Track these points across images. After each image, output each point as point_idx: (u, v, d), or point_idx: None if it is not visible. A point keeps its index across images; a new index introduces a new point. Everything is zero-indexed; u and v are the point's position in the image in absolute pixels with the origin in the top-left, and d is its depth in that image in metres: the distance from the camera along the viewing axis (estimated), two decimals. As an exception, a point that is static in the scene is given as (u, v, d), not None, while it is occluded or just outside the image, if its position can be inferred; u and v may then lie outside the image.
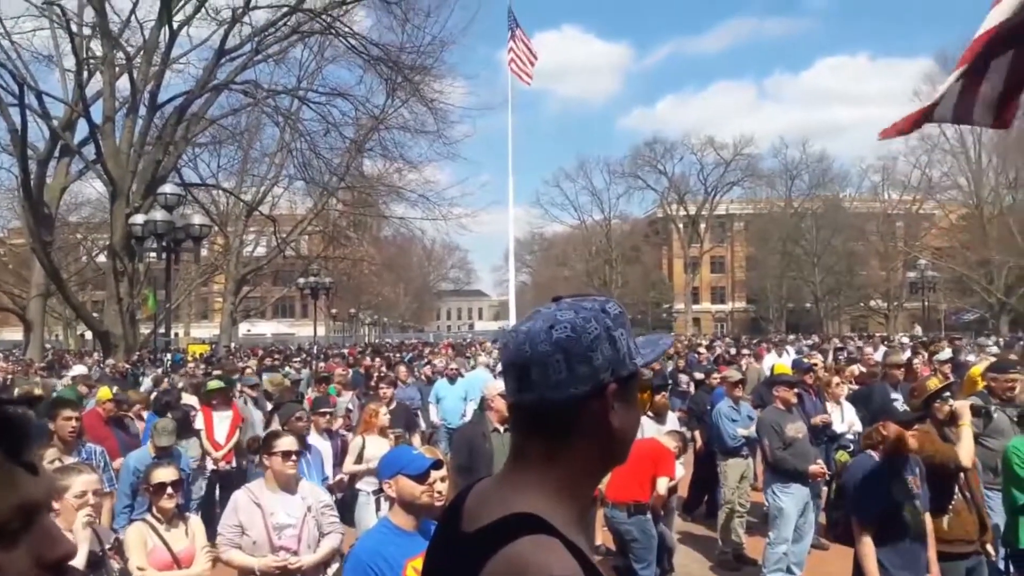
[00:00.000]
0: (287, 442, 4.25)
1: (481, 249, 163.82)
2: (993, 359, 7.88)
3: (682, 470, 7.10)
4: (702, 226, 68.46)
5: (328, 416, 7.35)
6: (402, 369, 13.33)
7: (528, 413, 1.18)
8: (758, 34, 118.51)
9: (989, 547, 4.92)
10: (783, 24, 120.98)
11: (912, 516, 4.20)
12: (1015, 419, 5.53)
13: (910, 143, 51.18)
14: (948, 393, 5.12)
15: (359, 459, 6.50)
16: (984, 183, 47.22)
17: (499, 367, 10.12)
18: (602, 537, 7.50)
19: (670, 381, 10.96)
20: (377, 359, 18.31)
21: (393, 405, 8.34)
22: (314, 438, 6.66)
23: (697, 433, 9.12)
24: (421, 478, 3.10)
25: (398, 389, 11.33)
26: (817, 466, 6.68)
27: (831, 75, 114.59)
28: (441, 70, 24.00)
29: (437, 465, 3.19)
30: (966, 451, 4.56)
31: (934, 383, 4.89)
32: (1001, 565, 5.88)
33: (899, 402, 7.50)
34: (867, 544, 4.12)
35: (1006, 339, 25.88)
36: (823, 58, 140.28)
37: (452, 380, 11.58)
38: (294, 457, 4.21)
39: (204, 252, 29.90)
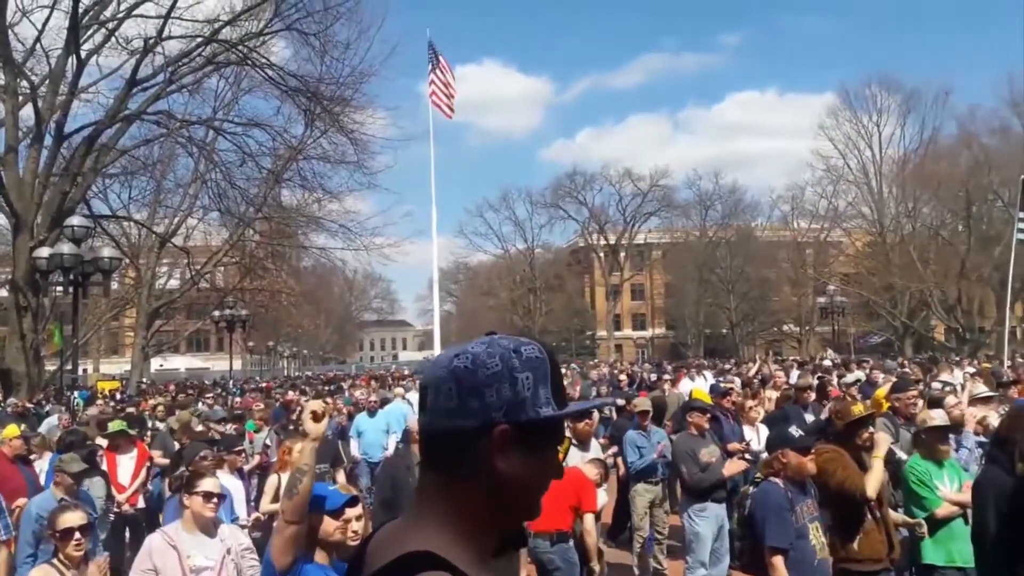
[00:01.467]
0: (210, 483, 4.12)
1: (405, 279, 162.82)
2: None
3: (604, 496, 7.18)
4: (622, 255, 69.76)
5: (242, 454, 7.15)
6: (336, 402, 13.14)
7: (423, 439, 1.19)
8: (672, 69, 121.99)
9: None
10: (695, 59, 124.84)
11: (816, 538, 4.33)
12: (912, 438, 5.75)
13: (817, 174, 53.63)
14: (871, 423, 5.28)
15: (275, 498, 6.33)
16: (886, 212, 49.60)
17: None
18: (526, 571, 7.49)
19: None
20: (296, 392, 17.91)
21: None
22: (225, 477, 6.46)
23: (620, 460, 9.23)
24: (335, 514, 3.06)
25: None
26: (730, 466, 6.95)
27: (741, 109, 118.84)
28: (361, 101, 23.87)
29: (352, 502, 3.15)
30: (874, 481, 4.67)
31: (859, 409, 5.06)
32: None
33: (804, 424, 7.75)
34: (781, 572, 4.19)
35: (915, 358, 27.02)
36: (734, 93, 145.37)
37: (372, 413, 11.42)
38: (215, 499, 4.07)
39: (114, 286, 28.86)
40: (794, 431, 4.48)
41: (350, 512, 3.13)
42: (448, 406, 1.14)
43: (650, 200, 67.56)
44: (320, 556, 3.05)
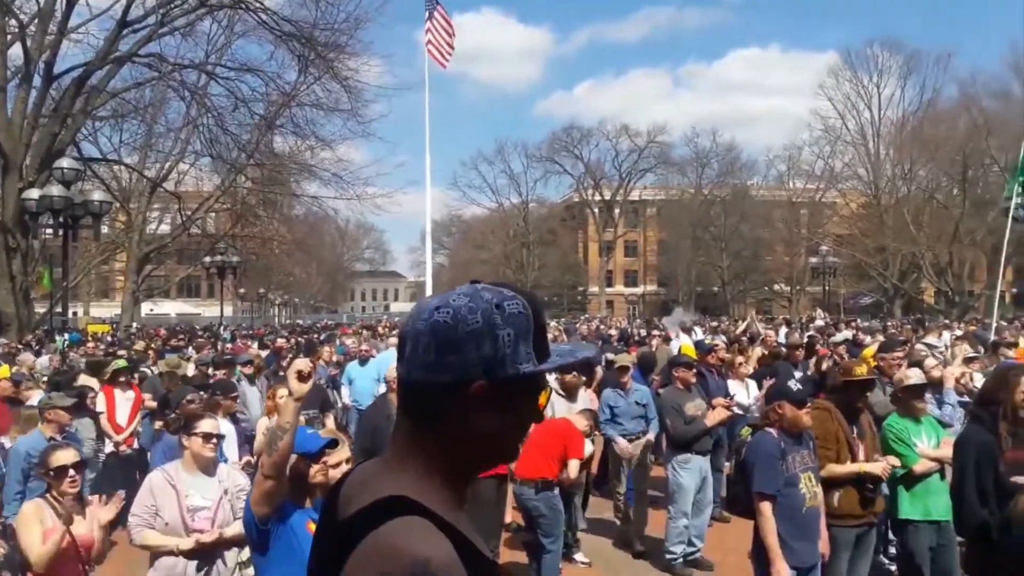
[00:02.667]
0: (208, 424, 4.16)
1: (397, 230, 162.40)
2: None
3: (591, 447, 7.28)
4: (616, 211, 69.59)
5: (237, 399, 7.19)
6: (325, 349, 13.17)
7: (401, 388, 1.19)
8: (675, 23, 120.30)
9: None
10: (699, 14, 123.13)
11: (808, 488, 4.42)
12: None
13: (815, 134, 53.35)
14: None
15: (265, 440, 6.41)
16: (882, 174, 49.48)
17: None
18: (512, 515, 7.62)
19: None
20: (289, 340, 17.94)
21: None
22: (219, 422, 6.52)
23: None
24: (314, 458, 3.09)
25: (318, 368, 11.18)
26: (709, 417, 7.04)
27: (743, 66, 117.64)
28: (356, 48, 23.48)
29: (332, 444, 3.18)
30: (841, 471, 4.77)
31: (862, 370, 5.12)
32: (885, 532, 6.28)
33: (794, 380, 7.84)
34: (768, 518, 4.29)
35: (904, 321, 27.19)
36: (736, 49, 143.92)
37: (363, 361, 11.46)
38: (214, 440, 4.11)
39: (105, 229, 28.67)
40: (792, 384, 4.55)
41: (333, 456, 3.17)
42: (426, 360, 1.12)
43: (646, 156, 67.31)
44: (298, 498, 3.09)
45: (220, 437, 4.19)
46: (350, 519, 1.10)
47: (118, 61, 21.78)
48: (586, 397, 7.84)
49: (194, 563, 3.92)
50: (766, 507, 4.31)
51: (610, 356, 12.12)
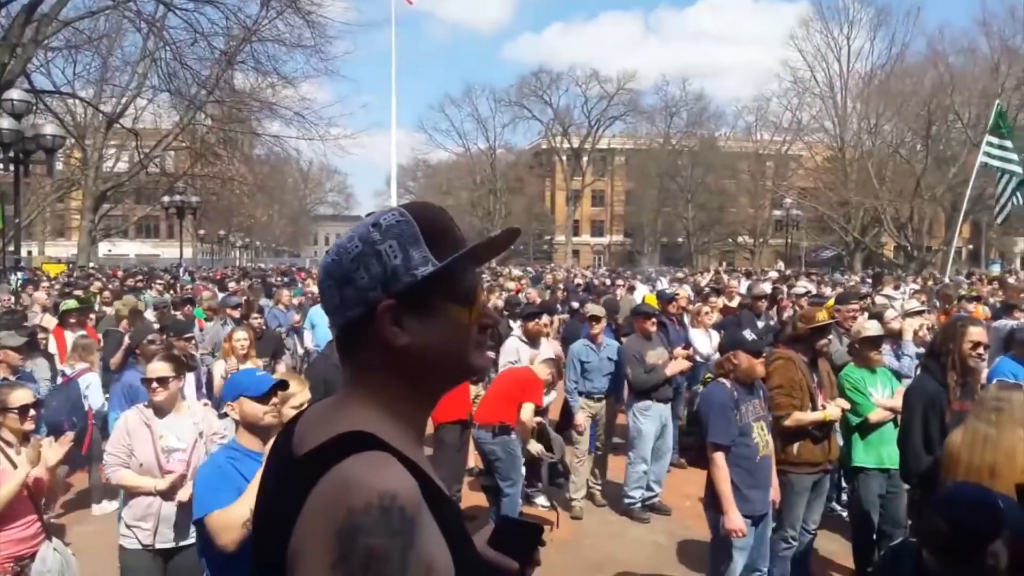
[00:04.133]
0: (152, 368, 4.06)
1: (362, 173, 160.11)
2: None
3: (554, 394, 7.31)
4: (584, 159, 69.26)
5: (192, 340, 7.07)
6: (284, 293, 13.02)
7: (335, 340, 1.19)
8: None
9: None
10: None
11: (760, 437, 4.48)
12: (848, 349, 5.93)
13: (783, 86, 53.35)
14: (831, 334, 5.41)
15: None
16: (848, 127, 49.75)
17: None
18: (474, 459, 7.67)
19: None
20: (239, 283, 17.71)
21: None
22: None
23: (569, 359, 9.38)
24: (263, 399, 3.06)
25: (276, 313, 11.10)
26: (671, 367, 7.12)
27: (714, 14, 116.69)
28: (319, -19, 22.77)
29: (282, 386, 3.15)
30: (798, 421, 4.85)
31: (823, 315, 5.17)
32: (837, 479, 6.45)
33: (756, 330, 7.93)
34: (722, 468, 4.34)
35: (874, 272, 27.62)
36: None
37: (326, 306, 11.36)
38: (155, 384, 3.99)
39: (59, 165, 27.83)
40: (748, 334, 4.56)
41: (293, 398, 3.13)
42: (334, 303, 1.13)
43: (616, 104, 66.78)
44: (249, 440, 3.05)
45: (162, 381, 4.02)
46: (306, 457, 1.07)
47: (70, -12, 20.85)
48: (549, 345, 7.85)
49: (168, 504, 3.88)
50: (719, 457, 4.36)
51: (575, 304, 12.17)
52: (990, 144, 10.98)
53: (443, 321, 1.13)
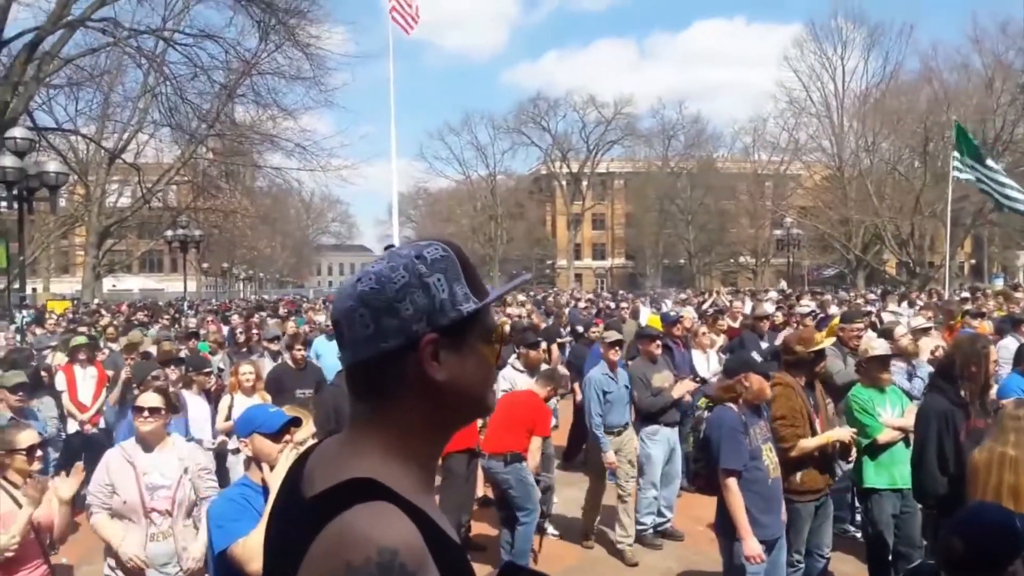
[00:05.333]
0: (144, 398, 4.06)
1: (363, 203, 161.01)
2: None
3: (554, 421, 7.22)
4: (584, 183, 69.48)
5: (210, 375, 7.07)
6: (290, 324, 13.00)
7: (349, 373, 1.12)
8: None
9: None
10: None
11: (770, 459, 4.44)
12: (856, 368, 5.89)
13: (779, 106, 53.65)
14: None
15: (228, 418, 6.33)
16: (845, 146, 49.90)
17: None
18: (483, 489, 7.61)
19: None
20: (254, 316, 17.69)
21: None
22: (192, 398, 6.42)
23: (576, 385, 9.33)
24: (276, 436, 3.04)
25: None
26: (677, 390, 7.05)
27: (708, 37, 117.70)
28: (317, 14, 22.96)
29: (296, 423, 3.13)
30: (807, 447, 4.82)
31: (821, 337, 5.15)
32: (851, 499, 6.39)
33: (760, 352, 7.90)
34: (736, 494, 4.29)
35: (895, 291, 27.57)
36: (701, 20, 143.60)
37: (331, 336, 11.32)
38: (146, 414, 3.97)
39: (62, 202, 27.90)
40: (756, 356, 4.54)
41: (298, 433, 3.12)
42: (366, 334, 1.08)
43: (613, 128, 67.03)
44: (260, 477, 3.02)
45: (155, 411, 4.01)
46: (313, 502, 1.05)
47: (71, 26, 21.07)
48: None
49: (153, 544, 3.85)
50: (733, 483, 4.30)
51: (580, 329, 12.11)
52: (957, 160, 11.12)
53: (475, 359, 1.13)
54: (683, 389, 7.18)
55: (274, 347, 9.14)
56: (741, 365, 4.57)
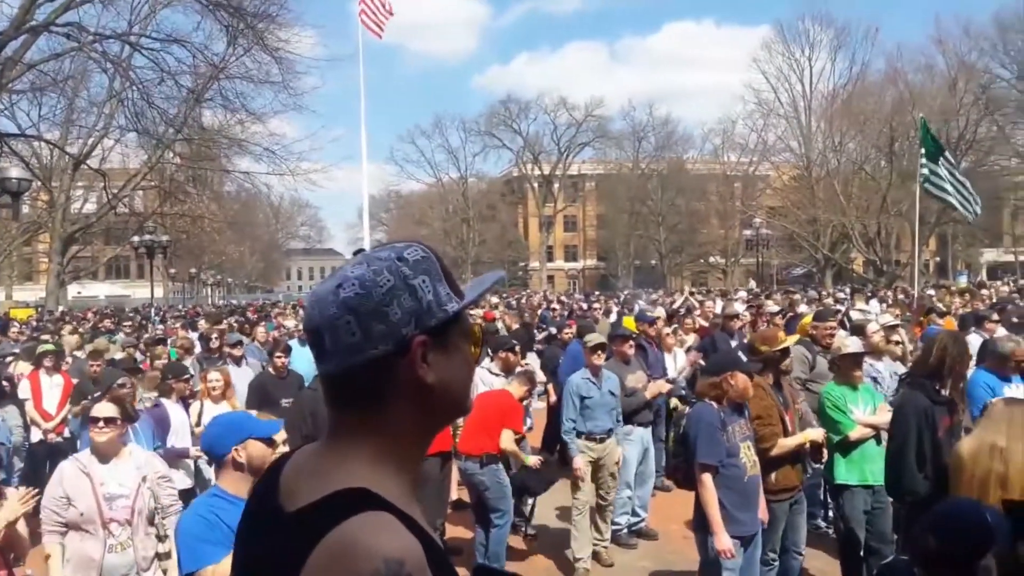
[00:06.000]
0: (100, 408, 3.95)
1: (334, 206, 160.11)
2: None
3: (529, 421, 7.18)
4: (555, 186, 69.66)
5: (189, 381, 6.92)
6: (259, 329, 12.85)
7: (332, 383, 1.08)
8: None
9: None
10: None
11: (748, 457, 4.47)
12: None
13: (748, 108, 54.23)
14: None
15: (198, 424, 6.23)
16: (813, 147, 50.58)
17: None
18: (457, 492, 7.58)
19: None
20: (222, 323, 17.45)
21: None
22: (172, 407, 6.28)
23: (550, 387, 9.32)
24: (270, 442, 2.98)
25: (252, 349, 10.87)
26: (650, 390, 7.07)
27: (677, 39, 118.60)
28: (286, 18, 22.81)
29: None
30: (784, 446, 4.86)
31: (783, 335, 5.18)
32: (822, 496, 6.44)
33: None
34: (709, 489, 4.33)
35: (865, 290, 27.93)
36: (670, 23, 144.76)
37: (303, 341, 11.21)
38: (101, 424, 3.86)
39: (25, 209, 27.41)
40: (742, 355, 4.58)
41: (278, 439, 3.08)
42: (351, 341, 1.04)
43: (584, 130, 67.30)
44: (236, 486, 2.88)
45: (110, 421, 3.90)
46: (301, 514, 1.01)
47: (34, 31, 20.71)
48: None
49: (111, 555, 3.77)
50: (707, 478, 4.34)
51: (552, 330, 12.10)
52: (922, 156, 11.29)
53: (459, 359, 1.11)
54: (656, 390, 7.21)
55: (237, 352, 9.02)
56: (728, 363, 4.59)
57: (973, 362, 6.08)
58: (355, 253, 1.13)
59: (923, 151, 11.00)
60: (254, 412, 4.21)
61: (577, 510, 6.32)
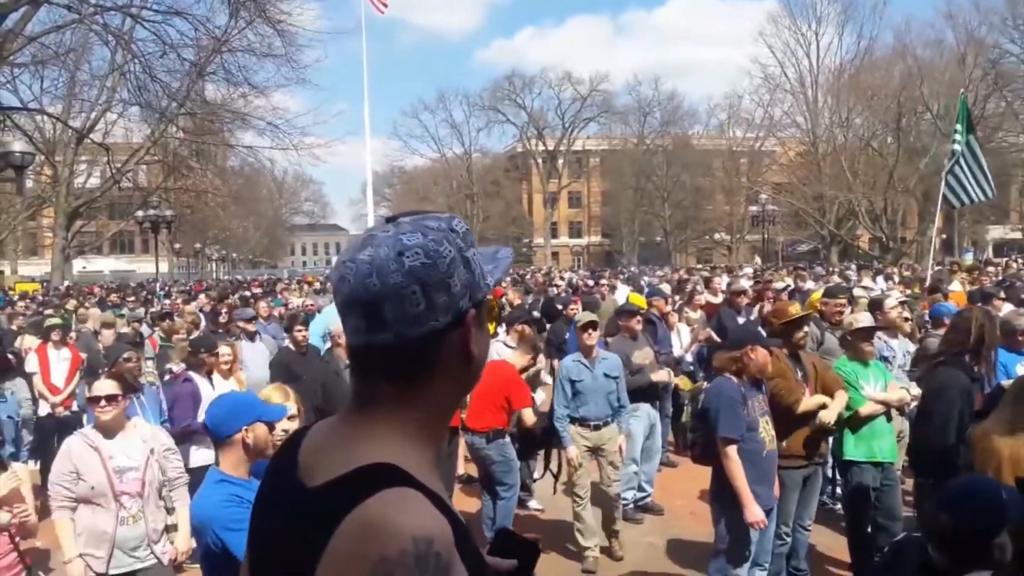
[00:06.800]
0: (99, 386, 3.92)
1: (337, 182, 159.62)
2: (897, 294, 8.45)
3: (542, 395, 7.13)
4: (560, 161, 69.34)
5: (216, 355, 6.86)
6: (262, 305, 12.82)
7: (380, 355, 1.04)
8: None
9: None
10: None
11: (766, 431, 4.47)
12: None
13: (754, 83, 53.79)
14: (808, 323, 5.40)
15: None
16: (819, 122, 50.21)
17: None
18: (464, 466, 7.61)
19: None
20: (228, 298, 17.45)
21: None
22: (201, 381, 6.24)
23: (555, 362, 9.30)
24: (271, 427, 2.95)
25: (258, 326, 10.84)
26: (658, 375, 7.04)
27: (682, 14, 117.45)
28: (288, -10, 22.64)
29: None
30: (810, 405, 4.86)
31: (795, 309, 5.16)
32: (830, 474, 6.44)
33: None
34: (736, 462, 4.33)
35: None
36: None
37: (308, 317, 11.21)
38: (103, 403, 3.84)
39: (29, 183, 27.37)
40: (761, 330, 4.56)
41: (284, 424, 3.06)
42: (415, 311, 1.01)
43: (589, 105, 66.87)
44: (238, 468, 2.84)
45: (112, 399, 3.86)
46: (324, 490, 0.99)
47: (34, 3, 20.53)
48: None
49: (124, 528, 3.79)
50: (732, 451, 4.35)
51: (559, 306, 12.04)
52: (957, 132, 11.13)
53: (485, 332, 1.12)
54: (660, 377, 7.17)
55: (251, 328, 8.99)
56: (749, 338, 4.57)
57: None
58: (388, 220, 1.09)
59: (958, 126, 10.88)
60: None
61: (576, 502, 5.97)
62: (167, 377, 6.79)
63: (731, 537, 4.43)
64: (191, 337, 8.16)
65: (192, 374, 6.23)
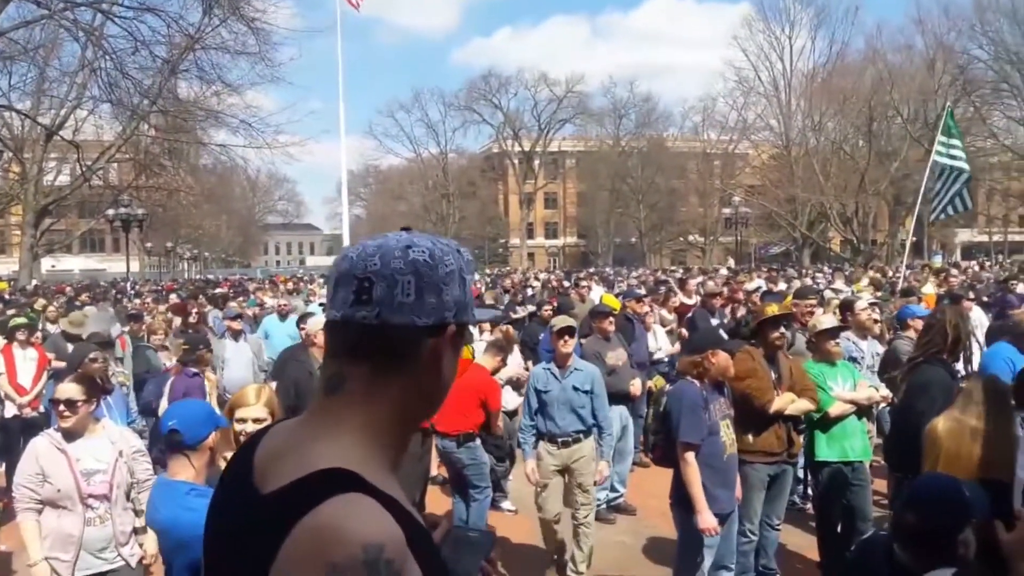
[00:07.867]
0: (61, 390, 3.82)
1: (312, 181, 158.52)
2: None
3: (518, 398, 7.13)
4: (536, 162, 69.45)
5: (209, 351, 6.80)
6: (232, 305, 12.74)
7: (356, 332, 1.05)
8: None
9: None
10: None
11: (727, 435, 4.49)
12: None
13: (728, 85, 54.27)
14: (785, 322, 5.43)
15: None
16: (793, 125, 50.77)
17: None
18: (438, 468, 7.58)
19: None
20: (196, 298, 17.27)
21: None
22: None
23: (531, 364, 9.31)
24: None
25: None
26: (634, 386, 7.06)
27: (658, 16, 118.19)
28: (262, -13, 22.47)
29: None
30: (782, 404, 4.89)
31: (772, 309, 5.19)
32: (800, 474, 6.50)
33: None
34: (693, 467, 4.33)
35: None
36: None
37: (283, 316, 11.12)
38: (62, 407, 3.73)
39: (-4, 180, 26.90)
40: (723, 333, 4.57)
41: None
42: (404, 300, 1.04)
43: (565, 107, 67.04)
44: (198, 474, 2.81)
45: (71, 403, 3.74)
46: (276, 496, 0.97)
47: (3, -2, 20.23)
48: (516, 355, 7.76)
49: (91, 529, 3.73)
50: (691, 456, 4.35)
51: (528, 309, 12.03)
52: (941, 144, 11.21)
53: (457, 357, 1.14)
54: (636, 390, 7.20)
55: (236, 327, 8.92)
56: (710, 341, 4.59)
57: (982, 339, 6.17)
58: (403, 229, 1.14)
59: (942, 138, 11.00)
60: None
61: (542, 527, 5.52)
62: (162, 371, 6.79)
63: (686, 541, 4.46)
64: (200, 334, 8.13)
65: (194, 369, 6.24)
